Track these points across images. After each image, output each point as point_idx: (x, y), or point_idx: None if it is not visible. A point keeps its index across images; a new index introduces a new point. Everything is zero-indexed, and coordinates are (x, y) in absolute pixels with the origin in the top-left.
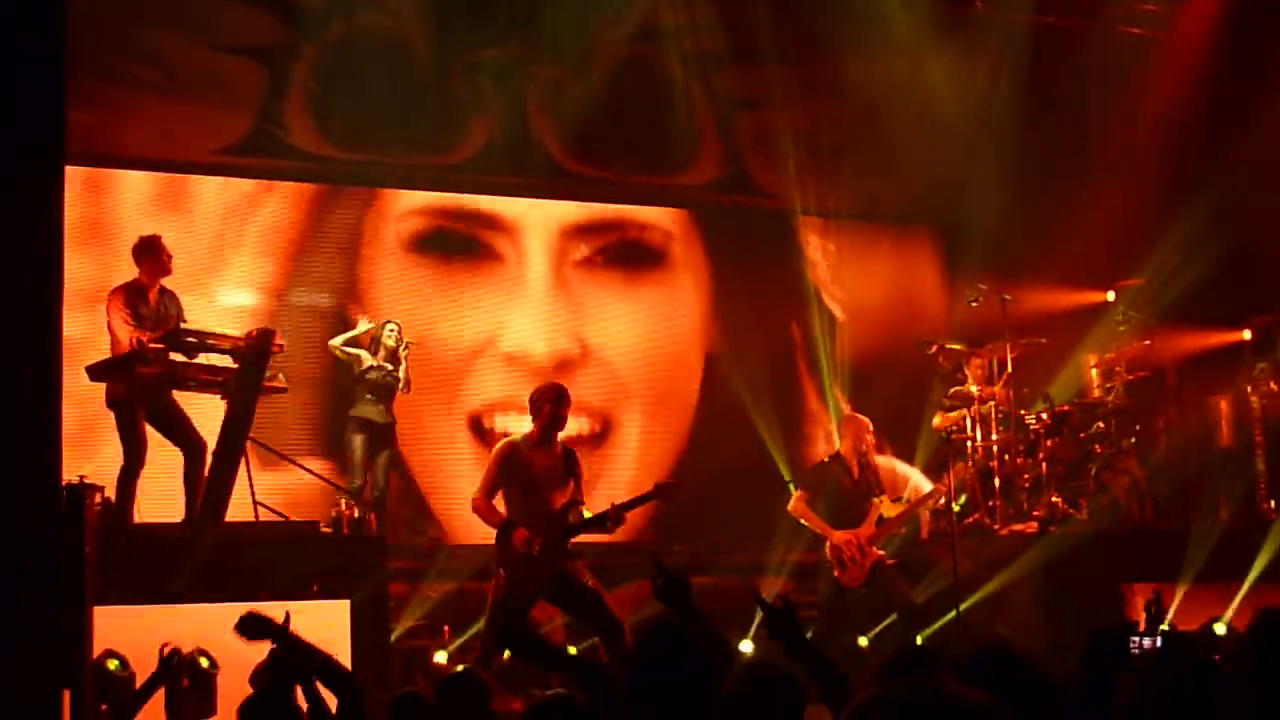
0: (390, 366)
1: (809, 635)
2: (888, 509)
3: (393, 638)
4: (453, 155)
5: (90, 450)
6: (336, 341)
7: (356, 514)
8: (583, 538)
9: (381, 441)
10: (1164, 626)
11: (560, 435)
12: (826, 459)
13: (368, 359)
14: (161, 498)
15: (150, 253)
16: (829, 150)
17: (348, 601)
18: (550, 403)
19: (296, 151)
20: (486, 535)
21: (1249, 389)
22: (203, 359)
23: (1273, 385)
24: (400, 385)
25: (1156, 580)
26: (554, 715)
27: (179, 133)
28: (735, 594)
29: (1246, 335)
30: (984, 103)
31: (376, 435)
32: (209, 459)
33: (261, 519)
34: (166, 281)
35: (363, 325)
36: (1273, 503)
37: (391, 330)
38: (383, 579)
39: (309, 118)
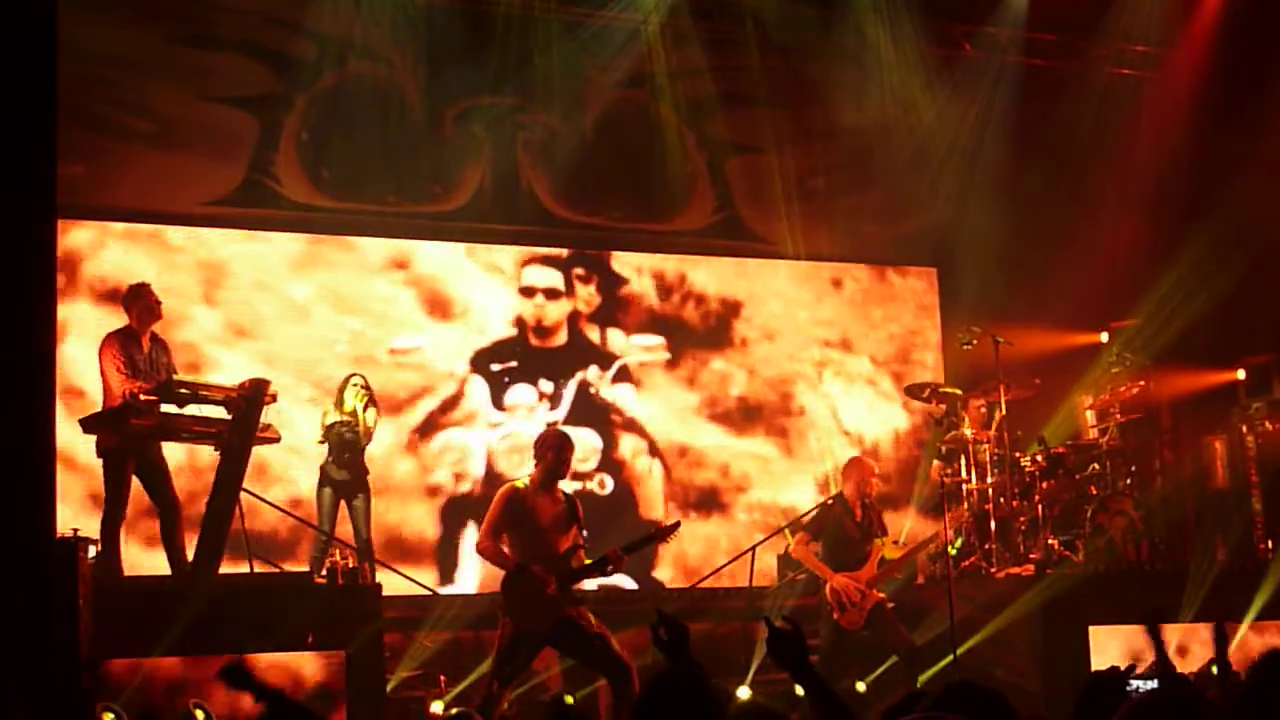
0: (352, 421)
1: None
2: (890, 551)
3: (389, 688)
4: (445, 203)
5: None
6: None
7: (351, 564)
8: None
9: (352, 494)
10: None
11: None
12: (829, 500)
13: (331, 414)
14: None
15: (140, 299)
16: (821, 193)
17: (343, 653)
18: (553, 449)
19: (288, 202)
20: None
21: (1244, 429)
22: (195, 410)
23: (1268, 425)
24: (362, 439)
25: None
26: None
27: (170, 184)
28: (732, 640)
29: (1241, 375)
30: (975, 145)
31: (345, 489)
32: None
33: (255, 570)
34: (157, 328)
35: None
36: (1269, 543)
37: (355, 384)
38: (378, 629)
39: (301, 168)
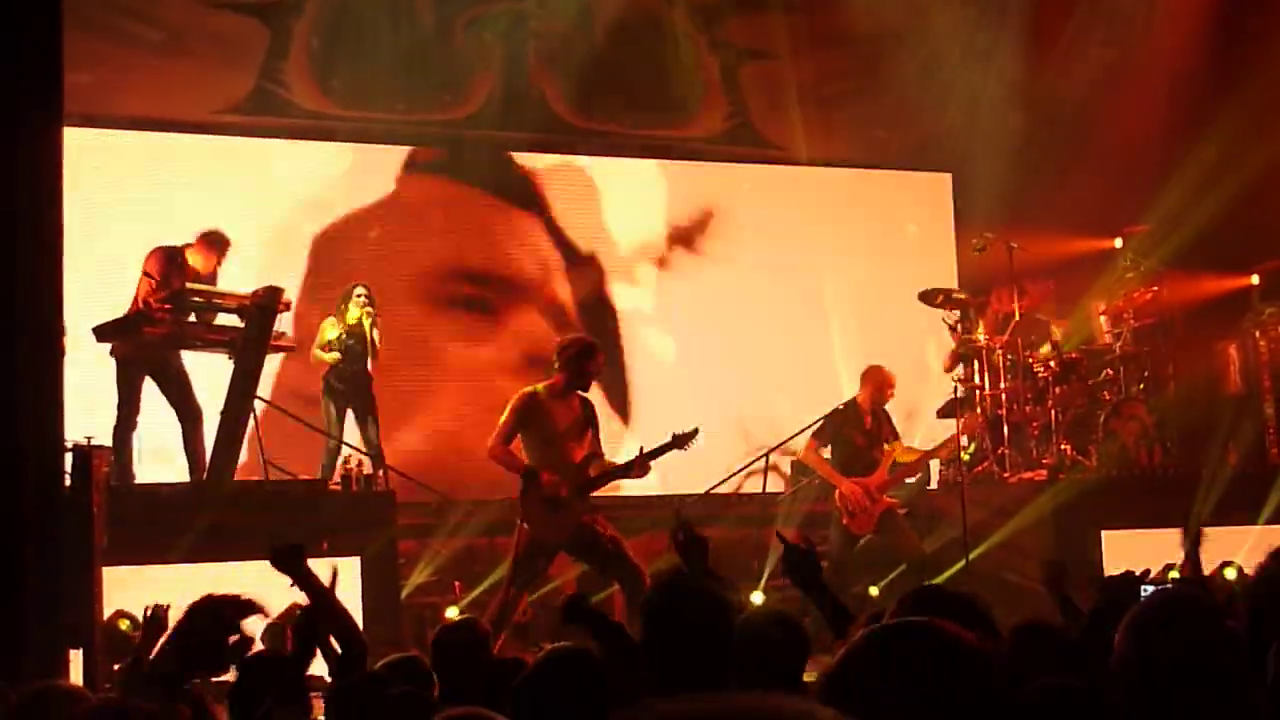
0: (358, 330)
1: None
2: (902, 455)
3: (404, 595)
4: (456, 111)
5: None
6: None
7: (366, 470)
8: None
9: (358, 404)
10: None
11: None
12: (841, 406)
13: (333, 326)
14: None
15: (215, 246)
16: (834, 99)
17: (358, 559)
18: (576, 357)
19: (298, 109)
20: (493, 491)
21: (1257, 334)
22: (209, 318)
23: None
24: (368, 351)
25: (1168, 524)
26: (565, 668)
27: (180, 92)
28: (745, 546)
29: (1255, 280)
30: (989, 49)
31: (349, 400)
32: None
33: (270, 478)
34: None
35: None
36: None
37: (359, 295)
38: (392, 535)
39: (311, 76)
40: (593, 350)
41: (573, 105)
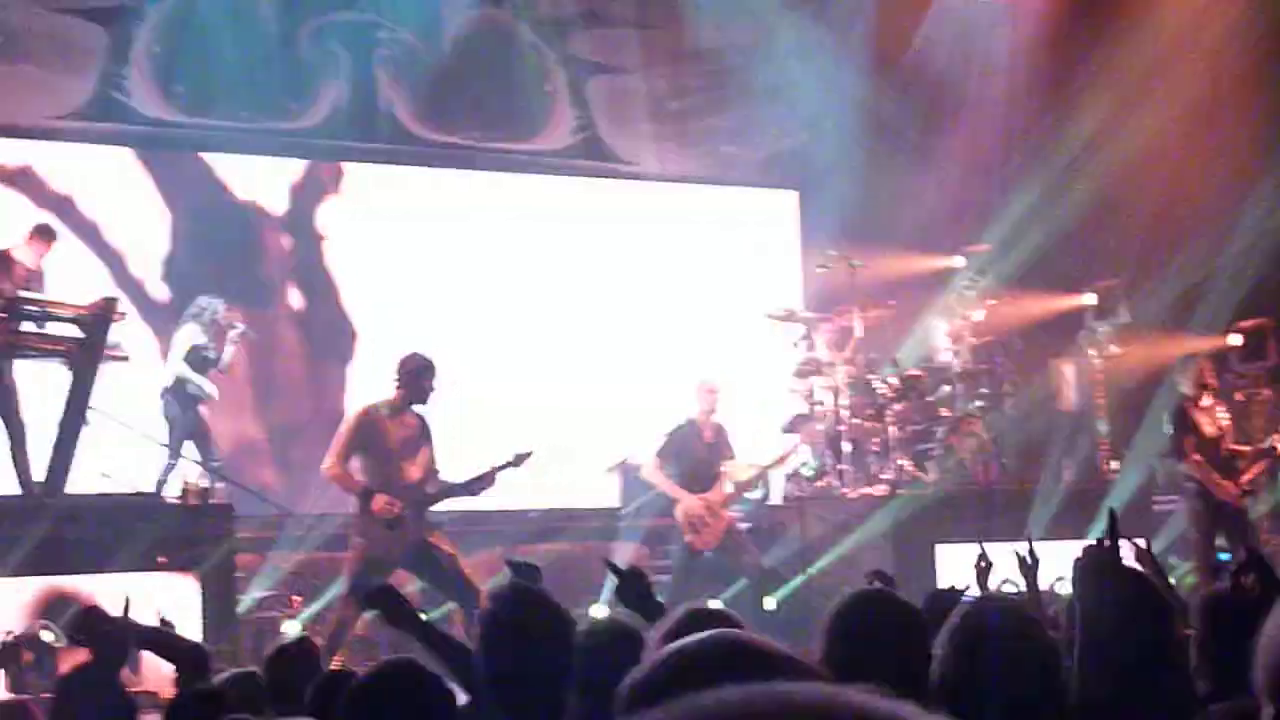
0: (210, 343)
1: (660, 600)
2: (739, 472)
3: (242, 609)
4: (300, 120)
5: None
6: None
7: (204, 484)
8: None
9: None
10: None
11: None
12: (683, 423)
13: (193, 334)
14: None
15: (43, 238)
16: (682, 115)
17: (196, 574)
18: (414, 374)
19: (139, 116)
20: (333, 505)
21: (1092, 352)
22: (43, 327)
23: (1114, 348)
24: (218, 365)
25: (1004, 540)
26: (393, 678)
27: (17, 97)
28: (588, 560)
29: (1090, 299)
30: (834, 69)
31: (196, 409)
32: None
33: (105, 490)
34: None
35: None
36: (1114, 463)
37: (206, 309)
38: (230, 549)
39: (153, 82)
40: (432, 367)
41: (419, 117)
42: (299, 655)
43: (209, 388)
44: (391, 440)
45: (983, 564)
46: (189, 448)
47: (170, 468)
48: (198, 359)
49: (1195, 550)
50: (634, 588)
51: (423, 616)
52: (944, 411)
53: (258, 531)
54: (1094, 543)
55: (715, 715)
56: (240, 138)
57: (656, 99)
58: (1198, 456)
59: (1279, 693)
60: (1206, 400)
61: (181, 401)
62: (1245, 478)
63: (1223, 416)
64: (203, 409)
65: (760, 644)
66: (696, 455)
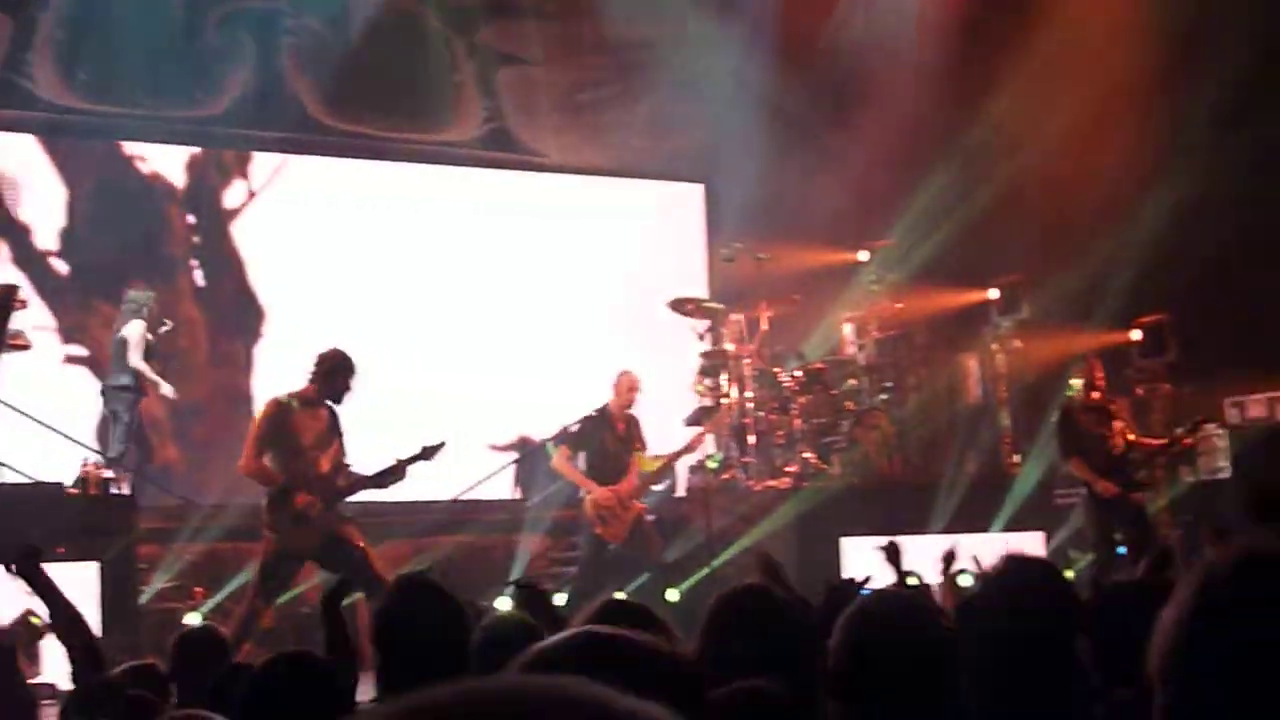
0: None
1: (569, 590)
2: (646, 464)
3: (144, 600)
4: (206, 108)
5: None
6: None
7: (106, 474)
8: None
9: (112, 404)
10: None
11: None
12: (593, 413)
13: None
14: None
15: None
16: (590, 107)
17: (96, 564)
18: (335, 371)
19: (43, 103)
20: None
21: (995, 347)
22: None
23: (1017, 343)
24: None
25: (908, 531)
26: (288, 671)
27: None
28: (494, 552)
29: (993, 294)
30: (741, 63)
31: (109, 400)
32: None
33: (5, 480)
34: None
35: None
36: (1016, 456)
37: (132, 300)
38: (131, 540)
39: (57, 69)
40: (350, 364)
41: (326, 106)
42: (204, 645)
43: (166, 387)
44: (303, 433)
45: (889, 557)
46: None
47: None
48: (148, 355)
49: (1092, 543)
50: (534, 602)
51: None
52: (849, 405)
53: (161, 522)
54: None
55: (442, 709)
56: (145, 125)
57: (565, 91)
58: (1078, 458)
59: (1169, 677)
60: (1095, 398)
61: (133, 399)
62: (1142, 473)
63: (1117, 413)
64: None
65: (628, 641)
66: (607, 446)
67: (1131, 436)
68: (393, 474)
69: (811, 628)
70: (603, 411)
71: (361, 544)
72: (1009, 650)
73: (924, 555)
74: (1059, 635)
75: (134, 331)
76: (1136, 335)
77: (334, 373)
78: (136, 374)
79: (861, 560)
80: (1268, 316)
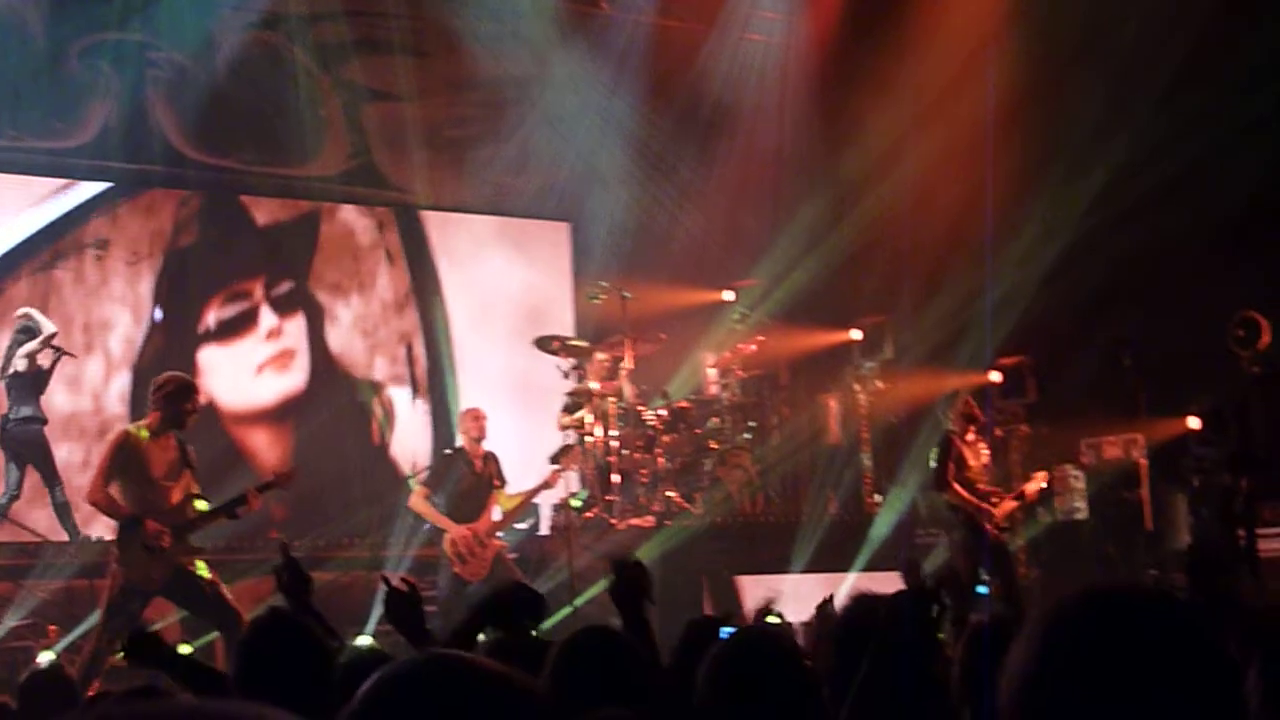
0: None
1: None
2: (505, 501)
3: None
4: (67, 139)
5: None
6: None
7: None
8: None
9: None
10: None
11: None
12: (449, 451)
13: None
14: None
15: None
16: (458, 144)
17: None
18: (173, 396)
19: None
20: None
21: (857, 387)
22: None
23: (879, 384)
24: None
25: (770, 571)
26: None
27: None
28: (354, 589)
29: (856, 335)
30: (608, 102)
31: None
32: None
33: None
34: None
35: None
36: (877, 496)
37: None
38: None
39: None
40: (189, 389)
41: (190, 139)
42: (51, 684)
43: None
44: (152, 464)
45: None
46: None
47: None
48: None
49: (952, 582)
50: (403, 605)
51: (183, 650)
52: (712, 444)
53: (12, 559)
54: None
55: None
56: (5, 155)
57: (433, 127)
58: (958, 487)
59: (1017, 713)
60: (970, 436)
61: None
62: (1000, 513)
63: (984, 452)
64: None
65: (474, 666)
66: (464, 484)
67: (989, 479)
68: (243, 502)
69: (651, 663)
70: (459, 450)
71: (211, 578)
72: (872, 681)
73: (787, 594)
74: (916, 668)
75: (41, 358)
76: (996, 376)
77: (173, 397)
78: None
79: (723, 598)
80: (1124, 358)
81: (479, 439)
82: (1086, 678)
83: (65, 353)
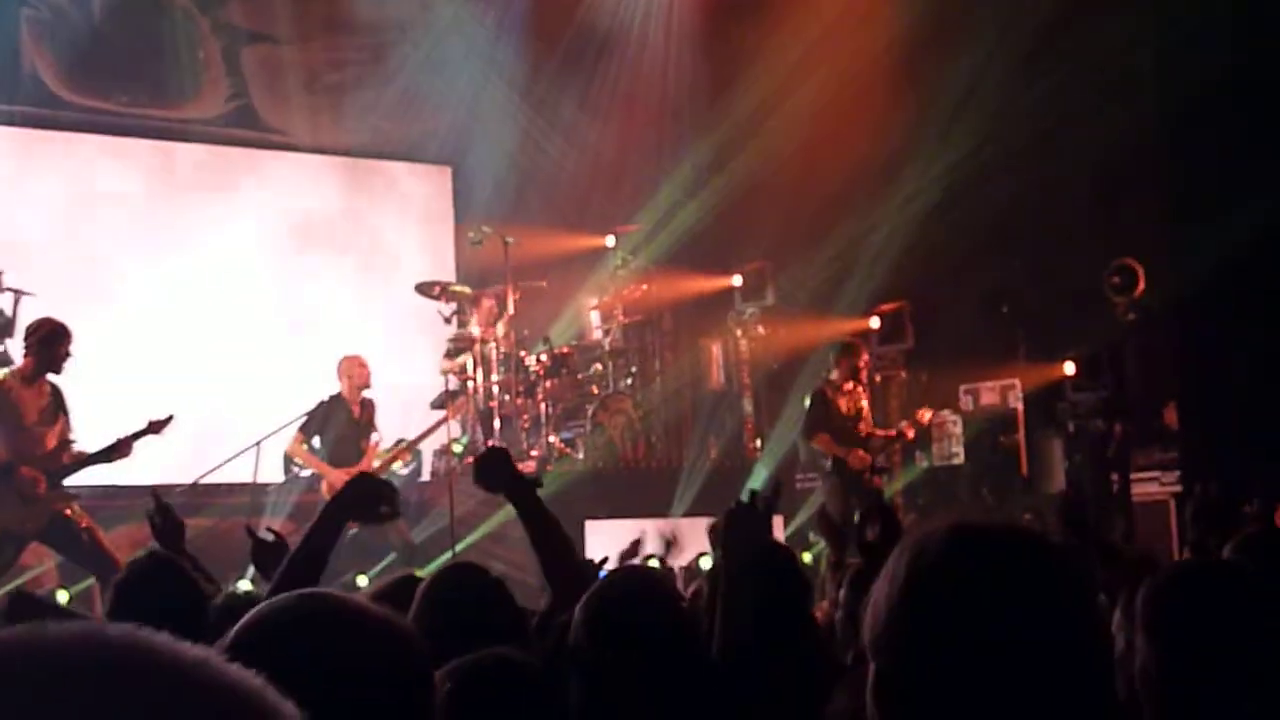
0: None
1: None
2: (381, 455)
3: None
4: None
5: None
6: None
7: None
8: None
9: None
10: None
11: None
12: (327, 398)
13: None
14: None
15: None
16: (338, 87)
17: None
18: (47, 340)
19: None
20: None
21: (739, 333)
22: None
23: (760, 329)
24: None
25: (649, 515)
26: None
27: None
28: (234, 536)
29: (737, 281)
30: (491, 46)
31: None
32: None
33: None
34: None
35: None
36: (758, 442)
37: None
38: None
39: None
40: (63, 333)
41: (66, 81)
42: None
43: None
44: (26, 410)
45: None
46: None
47: None
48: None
49: (826, 526)
50: (271, 556)
51: (60, 598)
52: (594, 389)
53: None
54: (744, 501)
55: None
56: None
57: (312, 70)
58: (825, 435)
59: (880, 648)
60: (849, 385)
61: None
62: (879, 459)
63: (863, 399)
64: None
65: (345, 605)
66: (342, 430)
67: (869, 425)
68: (117, 450)
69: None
70: (337, 397)
71: (88, 524)
72: (748, 621)
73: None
74: (796, 611)
75: None
76: (875, 323)
77: (48, 341)
78: None
79: (604, 543)
80: (1001, 305)
81: (361, 386)
82: (948, 612)
83: (23, 292)
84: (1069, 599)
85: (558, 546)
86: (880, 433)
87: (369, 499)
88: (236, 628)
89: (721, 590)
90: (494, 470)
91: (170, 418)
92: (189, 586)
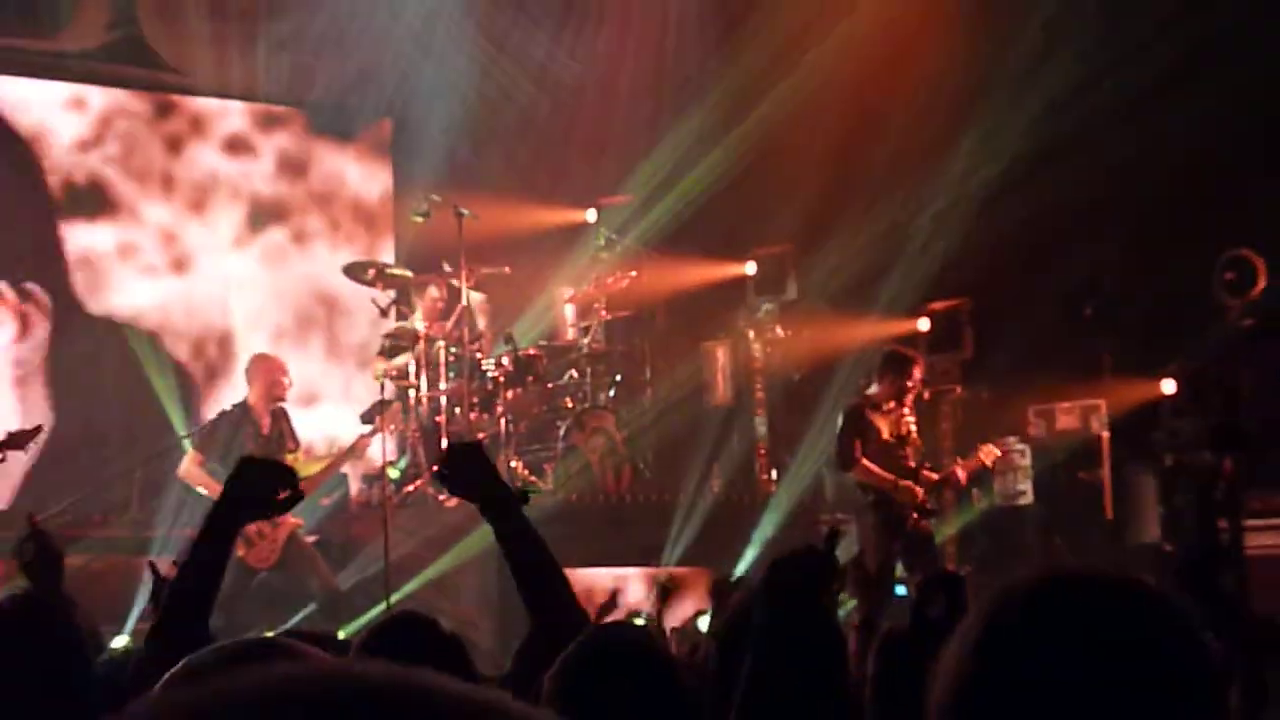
0: None
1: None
2: (304, 467)
3: None
4: None
5: None
6: None
7: None
8: None
9: None
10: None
11: None
12: (230, 408)
13: None
14: None
15: None
16: (251, 14)
17: None
18: None
19: None
20: None
21: (751, 334)
22: None
23: (779, 330)
24: None
25: (634, 563)
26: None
27: None
28: (110, 577)
29: (751, 269)
30: None
31: None
32: None
33: None
34: None
35: None
36: (773, 472)
37: None
38: None
39: None
40: None
41: None
42: None
43: None
44: None
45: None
46: None
47: None
48: None
49: (862, 582)
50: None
51: None
52: (567, 402)
53: None
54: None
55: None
56: None
57: None
58: (868, 462)
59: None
60: (891, 404)
61: None
62: (928, 500)
63: (910, 421)
64: None
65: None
66: (248, 448)
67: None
68: None
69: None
70: (241, 406)
71: None
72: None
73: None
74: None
75: None
76: (924, 325)
77: None
78: None
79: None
80: (1084, 306)
81: (277, 398)
82: (1036, 679)
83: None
84: (1186, 670)
85: (546, 575)
86: (927, 472)
87: (261, 486)
88: (173, 674)
89: (751, 669)
90: (466, 470)
91: (39, 428)
92: (73, 640)
